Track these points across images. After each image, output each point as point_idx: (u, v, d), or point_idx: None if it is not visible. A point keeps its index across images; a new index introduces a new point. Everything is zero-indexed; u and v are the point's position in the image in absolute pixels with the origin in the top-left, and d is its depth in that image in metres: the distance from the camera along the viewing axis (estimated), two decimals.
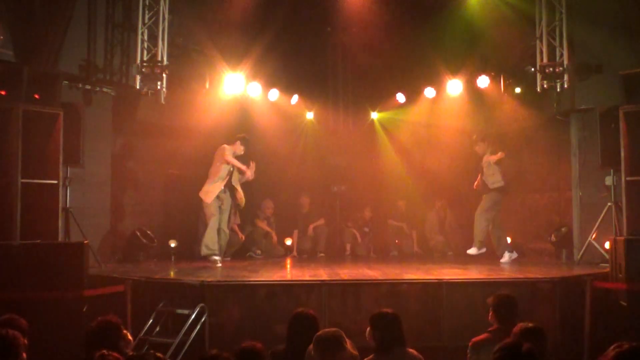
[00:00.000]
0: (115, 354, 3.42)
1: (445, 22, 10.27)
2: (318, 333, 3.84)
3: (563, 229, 9.57)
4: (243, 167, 9.02)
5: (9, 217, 6.83)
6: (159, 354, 3.33)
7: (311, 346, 3.84)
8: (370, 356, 4.16)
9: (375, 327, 4.24)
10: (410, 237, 11.42)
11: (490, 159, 9.39)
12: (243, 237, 10.73)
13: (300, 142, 12.33)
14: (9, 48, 7.66)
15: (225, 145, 9.09)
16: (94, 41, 8.69)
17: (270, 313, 6.38)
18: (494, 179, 9.38)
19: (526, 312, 5.46)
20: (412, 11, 10.47)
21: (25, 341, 3.61)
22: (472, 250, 9.47)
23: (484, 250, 9.42)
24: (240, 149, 9.20)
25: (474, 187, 9.70)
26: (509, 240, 9.57)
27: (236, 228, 10.73)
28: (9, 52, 7.67)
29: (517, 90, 9.66)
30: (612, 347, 2.73)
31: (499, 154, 9.33)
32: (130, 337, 4.21)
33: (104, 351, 3.40)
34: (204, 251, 8.86)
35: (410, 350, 4.22)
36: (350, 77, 12.75)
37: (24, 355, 3.49)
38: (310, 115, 12.22)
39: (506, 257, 9.26)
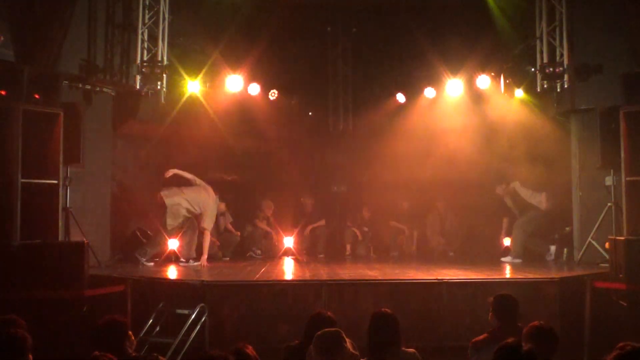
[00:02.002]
0: (110, 355, 3.42)
1: (446, 21, 10.28)
2: (318, 333, 3.84)
3: (567, 228, 9.61)
4: (205, 254, 9.03)
5: (9, 217, 6.82)
6: (161, 358, 3.33)
7: (311, 346, 3.83)
8: (364, 359, 4.16)
9: (369, 328, 4.24)
10: (411, 238, 11.41)
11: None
12: (238, 234, 10.75)
13: (300, 142, 12.33)
14: (9, 48, 7.65)
15: (211, 203, 9.10)
16: (94, 41, 8.68)
17: (270, 313, 6.39)
18: (537, 200, 9.77)
19: (526, 312, 5.45)
20: (412, 11, 10.47)
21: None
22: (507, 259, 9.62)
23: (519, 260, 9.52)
24: (221, 207, 9.70)
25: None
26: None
27: (230, 227, 10.76)
28: (9, 52, 7.66)
29: (519, 92, 9.66)
30: (615, 348, 2.73)
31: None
32: (133, 337, 4.21)
33: (97, 352, 3.39)
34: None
35: (407, 349, 4.22)
36: (350, 77, 12.76)
37: (30, 356, 3.50)
38: (311, 114, 12.23)
39: (508, 258, 9.47)
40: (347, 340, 3.87)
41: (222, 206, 9.63)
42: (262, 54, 10.38)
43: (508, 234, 9.88)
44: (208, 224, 8.98)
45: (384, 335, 4.17)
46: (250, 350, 3.62)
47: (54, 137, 7.35)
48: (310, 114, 12.45)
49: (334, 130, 12.70)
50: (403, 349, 4.20)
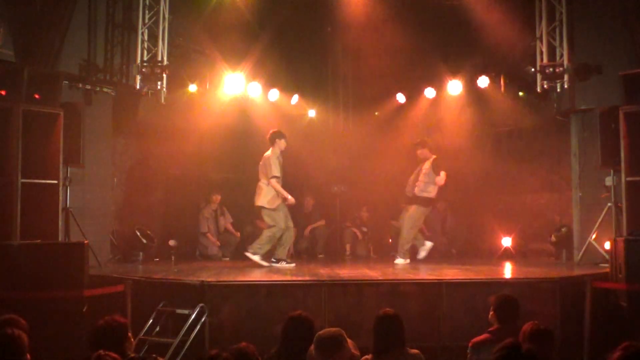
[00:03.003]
0: (113, 354, 3.42)
1: (446, 22, 10.28)
2: (319, 332, 3.84)
3: (563, 229, 9.57)
4: (286, 196, 8.69)
5: (9, 217, 6.83)
6: (160, 358, 3.32)
7: (312, 346, 3.83)
8: (369, 356, 4.16)
9: (373, 329, 4.24)
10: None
11: (428, 170, 9.22)
12: (238, 235, 10.75)
13: (300, 142, 12.32)
14: (9, 48, 7.66)
15: (269, 155, 8.73)
16: (94, 41, 8.69)
17: (270, 313, 6.37)
18: (427, 188, 9.21)
19: (526, 312, 5.45)
20: (412, 11, 10.47)
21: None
22: (400, 261, 9.24)
23: (408, 260, 9.25)
24: (281, 144, 8.83)
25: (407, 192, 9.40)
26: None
27: (230, 227, 10.76)
28: (9, 52, 7.67)
29: (520, 93, 9.65)
30: (619, 348, 2.72)
31: (443, 175, 9.10)
32: (132, 338, 4.21)
33: (101, 351, 3.39)
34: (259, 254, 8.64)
35: (411, 350, 4.22)
36: (350, 77, 12.76)
37: (28, 356, 3.49)
38: (311, 114, 12.22)
39: (401, 261, 9.22)
40: (349, 340, 3.88)
41: (282, 143, 8.79)
42: (262, 53, 10.39)
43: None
44: (273, 171, 8.60)
45: (388, 336, 4.17)
46: (251, 349, 3.62)
47: (54, 137, 7.36)
48: (311, 114, 12.42)
49: (334, 130, 12.71)
50: (407, 349, 4.20)
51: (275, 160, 8.71)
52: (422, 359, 4.20)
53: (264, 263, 8.59)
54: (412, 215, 9.34)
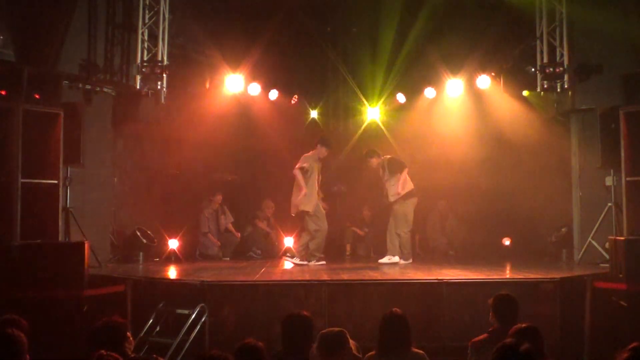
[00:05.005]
0: (115, 355, 3.41)
1: (446, 21, 10.28)
2: (322, 332, 3.84)
3: (563, 229, 9.57)
4: (303, 186, 8.81)
5: (9, 217, 6.83)
6: (160, 359, 3.32)
7: (314, 345, 3.84)
8: (372, 353, 4.15)
9: (380, 328, 4.24)
10: (413, 240, 11.38)
11: (387, 175, 9.24)
12: (239, 235, 10.75)
13: (300, 142, 12.31)
14: (9, 48, 7.66)
15: (304, 156, 8.98)
16: (94, 41, 8.69)
17: (270, 313, 6.37)
18: (392, 192, 9.20)
19: (526, 312, 5.44)
20: (412, 11, 10.46)
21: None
22: (401, 261, 9.18)
23: (410, 260, 9.21)
24: (322, 151, 9.05)
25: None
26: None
27: (231, 227, 10.76)
28: (10, 52, 7.67)
29: (519, 92, 9.65)
30: (626, 349, 2.71)
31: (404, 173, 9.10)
32: (132, 338, 4.21)
33: (103, 351, 3.39)
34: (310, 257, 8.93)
35: (417, 350, 4.21)
36: (350, 77, 12.74)
37: (27, 356, 3.49)
38: (312, 114, 12.23)
39: (386, 259, 9.21)
40: (351, 341, 3.88)
41: (323, 151, 9.05)
42: (262, 54, 10.38)
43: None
44: (301, 162, 8.86)
45: (394, 336, 4.17)
46: (259, 344, 3.62)
47: (54, 137, 7.36)
48: (311, 115, 12.41)
49: (334, 130, 12.69)
50: (413, 349, 4.19)
51: (309, 158, 8.93)
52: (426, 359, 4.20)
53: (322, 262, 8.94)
54: (394, 215, 9.28)
